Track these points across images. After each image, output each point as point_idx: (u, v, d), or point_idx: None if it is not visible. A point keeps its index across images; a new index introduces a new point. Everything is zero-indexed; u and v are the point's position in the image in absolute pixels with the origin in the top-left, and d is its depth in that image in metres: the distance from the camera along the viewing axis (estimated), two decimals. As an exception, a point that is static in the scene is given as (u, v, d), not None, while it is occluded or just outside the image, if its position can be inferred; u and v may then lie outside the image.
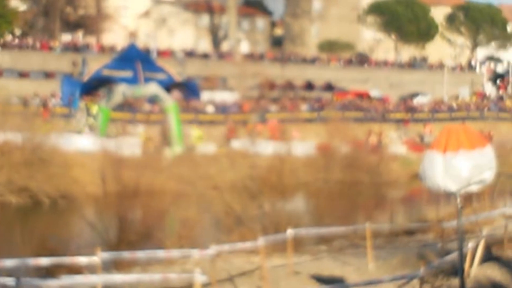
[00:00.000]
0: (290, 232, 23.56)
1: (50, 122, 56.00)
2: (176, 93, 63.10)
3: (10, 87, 79.53)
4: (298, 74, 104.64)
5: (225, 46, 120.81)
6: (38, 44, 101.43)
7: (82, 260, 20.17)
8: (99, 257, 19.91)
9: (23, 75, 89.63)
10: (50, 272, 19.61)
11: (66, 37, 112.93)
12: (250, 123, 64.35)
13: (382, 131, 68.45)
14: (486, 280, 22.20)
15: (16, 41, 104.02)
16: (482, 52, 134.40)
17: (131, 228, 27.36)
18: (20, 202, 41.25)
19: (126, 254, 21.49)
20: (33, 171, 42.88)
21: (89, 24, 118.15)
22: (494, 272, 22.97)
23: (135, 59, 64.24)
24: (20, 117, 49.80)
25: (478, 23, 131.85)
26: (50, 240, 27.90)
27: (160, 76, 63.43)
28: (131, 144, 47.47)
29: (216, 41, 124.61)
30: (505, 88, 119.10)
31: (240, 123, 65.48)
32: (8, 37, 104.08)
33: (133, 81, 60.47)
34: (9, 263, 19.04)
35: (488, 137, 69.17)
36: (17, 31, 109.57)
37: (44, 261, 19.72)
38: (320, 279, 22.20)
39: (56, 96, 73.79)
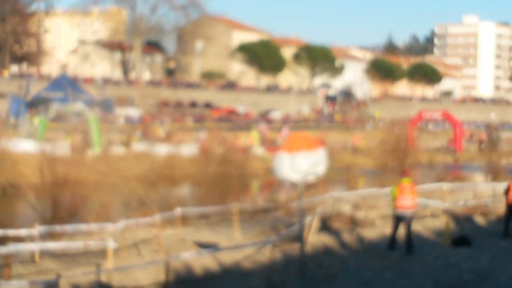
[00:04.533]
0: (178, 210, 23.44)
1: (1, 131, 54.81)
2: (96, 109, 62.37)
3: (-29, 105, 77.76)
4: (185, 95, 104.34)
5: (132, 75, 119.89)
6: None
7: (24, 232, 19.80)
8: (37, 230, 19.58)
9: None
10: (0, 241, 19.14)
11: (14, 68, 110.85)
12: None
13: (247, 137, 68.54)
14: (320, 244, 22.40)
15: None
16: (318, 80, 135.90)
17: (62, 208, 26.88)
18: (-22, 190, 40.27)
19: (58, 228, 21.11)
20: (-12, 167, 41.96)
21: (32, 58, 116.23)
22: (325, 238, 23.19)
23: (66, 84, 63.46)
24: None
25: (315, 59, 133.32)
26: (1, 217, 27.32)
27: (85, 97, 62.77)
28: (62, 146, 46.73)
29: (126, 71, 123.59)
30: (334, 106, 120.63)
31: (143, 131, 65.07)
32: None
33: (64, 100, 59.67)
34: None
35: (321, 141, 69.76)
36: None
37: (-5, 233, 19.33)
38: (200, 244, 22.10)
39: (7, 112, 72.25)
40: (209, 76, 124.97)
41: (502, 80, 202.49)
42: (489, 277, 18.17)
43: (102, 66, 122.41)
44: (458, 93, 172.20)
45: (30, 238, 19.85)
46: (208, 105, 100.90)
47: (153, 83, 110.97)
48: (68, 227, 21.10)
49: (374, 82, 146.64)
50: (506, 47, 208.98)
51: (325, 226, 25.09)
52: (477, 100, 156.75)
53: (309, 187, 31.74)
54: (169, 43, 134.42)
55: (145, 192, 28.61)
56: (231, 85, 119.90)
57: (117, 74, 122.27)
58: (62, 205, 27.11)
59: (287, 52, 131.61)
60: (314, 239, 22.60)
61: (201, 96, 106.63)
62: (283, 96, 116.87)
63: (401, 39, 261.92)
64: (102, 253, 18.96)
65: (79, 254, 20.05)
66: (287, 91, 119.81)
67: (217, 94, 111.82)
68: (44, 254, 19.68)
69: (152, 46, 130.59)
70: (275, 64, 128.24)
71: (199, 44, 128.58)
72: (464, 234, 23.59)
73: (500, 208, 28.02)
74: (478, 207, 30.47)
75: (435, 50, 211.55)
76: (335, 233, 24.16)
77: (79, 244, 19.22)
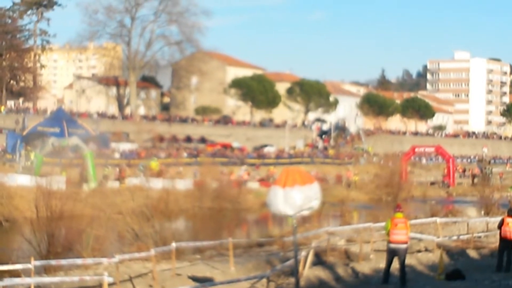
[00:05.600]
0: (173, 245, 23.36)
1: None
2: (92, 144, 62.32)
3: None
4: (180, 130, 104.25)
5: (127, 110, 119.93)
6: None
7: (19, 266, 19.73)
8: (32, 264, 19.49)
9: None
10: (-5, 276, 19.04)
11: (10, 103, 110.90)
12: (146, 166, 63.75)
13: (244, 172, 68.59)
14: (315, 278, 22.33)
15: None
16: (312, 115, 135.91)
17: (57, 243, 26.82)
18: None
19: (53, 262, 21.04)
20: (-16, 201, 41.82)
21: (28, 93, 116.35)
22: (320, 273, 23.13)
23: (62, 119, 63.48)
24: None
25: (309, 94, 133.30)
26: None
27: (80, 131, 62.77)
28: (58, 181, 46.61)
29: (121, 106, 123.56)
30: (328, 141, 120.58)
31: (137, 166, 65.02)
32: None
33: (60, 135, 59.69)
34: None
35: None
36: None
37: (-9, 267, 19.24)
38: (195, 279, 22.02)
39: (3, 146, 72.13)
40: (203, 111, 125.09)
41: (494, 115, 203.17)
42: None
43: (98, 101, 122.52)
44: (451, 128, 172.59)
45: (26, 273, 19.76)
46: (203, 140, 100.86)
47: (148, 118, 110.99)
48: (63, 262, 21.03)
49: (367, 117, 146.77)
50: (497, 82, 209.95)
51: (319, 260, 25.05)
52: (469, 135, 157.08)
53: (304, 221, 31.72)
54: (164, 79, 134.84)
55: (140, 226, 28.49)
56: (225, 120, 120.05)
57: (112, 109, 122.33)
58: (57, 240, 27.05)
59: (281, 87, 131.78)
60: (309, 273, 22.54)
61: (195, 131, 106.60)
62: (277, 131, 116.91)
63: (394, 74, 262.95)
64: (97, 288, 18.89)
65: (74, 289, 19.96)
66: (281, 126, 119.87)
67: (211, 129, 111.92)
68: (40, 288, 19.59)
69: (147, 82, 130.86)
70: (269, 99, 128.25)
71: (193, 79, 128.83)
72: (457, 268, 23.54)
73: (494, 242, 28.03)
74: (472, 241, 30.47)
75: (428, 85, 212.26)
76: (329, 267, 24.10)
77: (75, 278, 19.16)
